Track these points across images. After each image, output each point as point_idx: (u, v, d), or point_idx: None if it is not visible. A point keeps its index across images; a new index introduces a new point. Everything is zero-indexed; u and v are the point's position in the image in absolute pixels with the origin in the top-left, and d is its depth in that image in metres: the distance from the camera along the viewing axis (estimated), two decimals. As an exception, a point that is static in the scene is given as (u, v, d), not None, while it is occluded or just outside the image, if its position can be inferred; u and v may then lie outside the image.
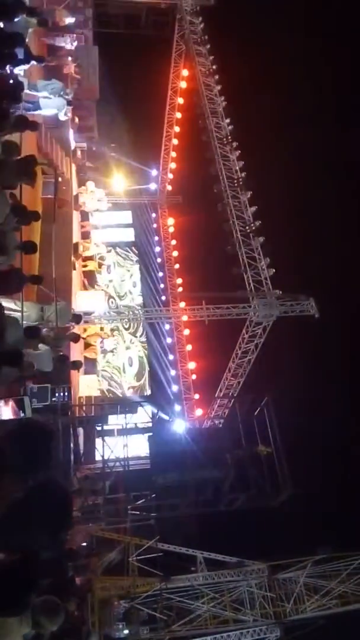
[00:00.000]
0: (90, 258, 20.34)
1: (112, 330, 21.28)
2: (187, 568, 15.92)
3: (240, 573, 15.76)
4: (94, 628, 12.75)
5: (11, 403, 4.62)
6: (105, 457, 14.18)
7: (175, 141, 25.88)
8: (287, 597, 15.40)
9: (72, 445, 13.09)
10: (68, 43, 16.35)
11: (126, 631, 14.55)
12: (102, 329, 19.57)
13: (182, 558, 15.96)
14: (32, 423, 3.46)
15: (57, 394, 11.12)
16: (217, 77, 20.42)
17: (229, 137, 19.08)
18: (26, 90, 8.14)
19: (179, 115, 24.85)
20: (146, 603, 14.51)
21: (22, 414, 4.40)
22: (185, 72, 23.27)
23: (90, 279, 21.02)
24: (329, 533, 17.37)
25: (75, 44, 16.81)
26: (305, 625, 15.24)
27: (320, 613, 15.18)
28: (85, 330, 18.27)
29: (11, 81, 7.21)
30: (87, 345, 19.11)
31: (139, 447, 16.11)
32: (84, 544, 14.37)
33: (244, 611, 15.22)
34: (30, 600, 3.02)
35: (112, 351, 22.88)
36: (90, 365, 19.73)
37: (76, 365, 14.09)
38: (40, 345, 6.86)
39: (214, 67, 20.60)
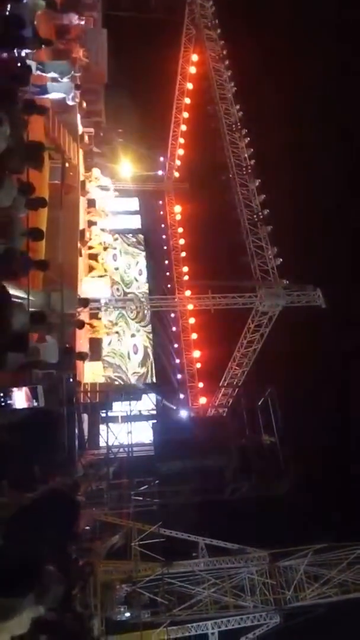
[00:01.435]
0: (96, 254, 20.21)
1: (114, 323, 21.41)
2: (189, 554, 16.09)
3: (241, 560, 15.92)
4: (95, 611, 12.93)
5: (25, 389, 4.65)
6: (110, 444, 14.29)
7: (183, 127, 25.60)
8: (288, 584, 15.55)
9: (76, 431, 13.16)
10: (76, 20, 16.08)
11: (128, 614, 14.77)
12: (107, 326, 19.76)
13: (184, 544, 16.12)
14: (40, 412, 3.47)
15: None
16: (227, 62, 20.14)
17: (239, 124, 18.89)
18: (34, 72, 8.03)
19: (187, 100, 24.55)
20: (148, 587, 14.70)
21: (34, 403, 4.43)
22: (195, 57, 22.94)
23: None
24: (330, 522, 17.48)
25: (83, 21, 16.55)
26: (305, 613, 15.41)
27: (320, 601, 15.33)
28: (92, 327, 18.28)
29: (19, 64, 7.12)
30: (92, 327, 19.11)
31: (142, 434, 16.24)
32: (88, 527, 14.53)
33: (244, 597, 15.38)
34: (34, 583, 3.05)
35: (117, 333, 22.93)
36: (95, 346, 19.69)
37: (82, 356, 14.17)
38: (47, 337, 6.85)
39: (225, 52, 20.29)
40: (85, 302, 14.04)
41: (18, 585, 2.93)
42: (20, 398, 4.46)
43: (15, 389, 4.52)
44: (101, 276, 19.03)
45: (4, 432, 2.76)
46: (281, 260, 17.10)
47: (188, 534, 16.09)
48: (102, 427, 15.20)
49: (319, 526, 17.02)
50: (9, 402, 4.33)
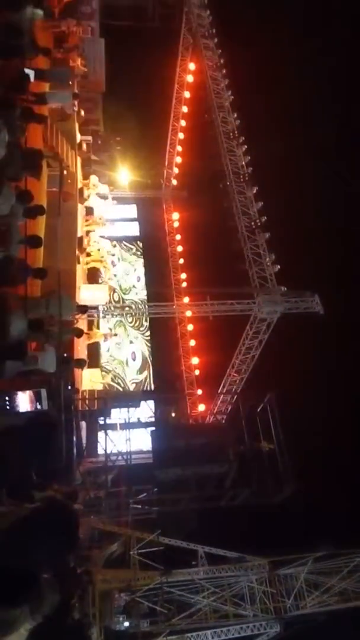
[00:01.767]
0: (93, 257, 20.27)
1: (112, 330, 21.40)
2: (188, 562, 15.97)
3: (240, 568, 15.80)
4: (94, 620, 12.81)
5: (29, 393, 4.66)
6: (108, 451, 14.23)
7: (181, 135, 25.76)
8: (288, 593, 15.42)
9: (74, 438, 13.11)
10: (74, 26, 16.20)
11: (126, 624, 14.63)
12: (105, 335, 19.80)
13: (183, 552, 16.01)
14: (40, 416, 3.47)
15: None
16: (224, 71, 20.29)
17: (236, 132, 19.01)
18: (32, 80, 8.08)
19: (185, 109, 24.72)
20: (147, 596, 14.56)
21: (38, 406, 4.45)
22: (192, 66, 23.13)
23: (93, 273, 21.00)
24: (330, 530, 17.38)
25: (81, 28, 16.68)
26: (305, 622, 15.28)
27: (320, 609, 15.20)
28: (89, 336, 18.27)
29: (17, 73, 7.17)
30: (90, 335, 19.11)
31: (141, 442, 16.17)
32: (86, 536, 14.44)
33: (244, 606, 15.25)
34: (32, 593, 3.02)
35: (116, 342, 22.90)
36: (94, 352, 19.69)
37: (80, 364, 14.15)
38: (46, 346, 6.84)
39: (222, 61, 20.46)
40: (83, 309, 14.05)
41: (15, 597, 2.90)
42: (24, 401, 4.47)
43: (19, 392, 4.53)
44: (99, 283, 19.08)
45: (2, 438, 2.76)
46: (279, 267, 17.15)
47: (187, 542, 15.98)
48: (101, 435, 15.14)
49: (319, 534, 16.92)
50: (13, 405, 4.34)
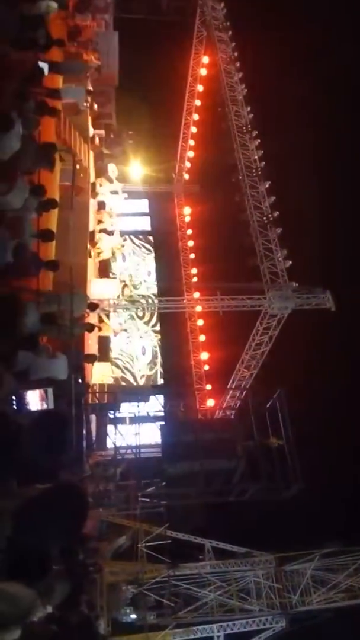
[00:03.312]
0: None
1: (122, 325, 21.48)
2: (195, 556, 16.05)
3: (247, 563, 15.85)
4: (102, 611, 12.94)
5: (39, 391, 4.73)
6: (117, 444, 14.30)
7: (193, 129, 25.63)
8: (294, 588, 15.46)
9: (84, 431, 13.20)
10: (89, 20, 16.18)
11: (133, 616, 14.77)
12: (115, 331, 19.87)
13: (190, 546, 16.09)
14: (50, 413, 3.50)
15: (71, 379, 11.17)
16: (238, 64, 20.12)
17: (249, 126, 18.86)
18: (46, 73, 8.08)
19: (198, 102, 24.58)
20: (154, 589, 14.68)
21: (44, 405, 4.52)
22: (205, 59, 22.96)
23: (105, 267, 21.06)
24: (338, 526, 17.37)
25: (95, 23, 16.66)
26: (311, 618, 15.31)
27: (326, 606, 15.22)
28: (100, 329, 18.30)
29: (32, 65, 7.17)
30: (100, 329, 19.17)
31: (150, 436, 16.23)
32: (94, 528, 14.56)
33: (250, 601, 15.32)
34: (45, 572, 3.06)
35: (126, 336, 22.98)
36: (104, 346, 19.76)
37: (90, 359, 14.22)
38: (57, 353, 6.81)
39: (236, 54, 20.29)
40: (93, 307, 14.09)
41: (29, 575, 2.93)
42: (34, 399, 4.52)
43: (29, 391, 4.58)
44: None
45: (14, 434, 2.79)
46: (290, 262, 17.05)
47: (194, 537, 16.05)
48: (110, 428, 15.22)
49: (327, 531, 16.91)
50: (22, 404, 4.39)
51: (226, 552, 16.12)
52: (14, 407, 4.43)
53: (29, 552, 2.62)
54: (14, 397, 4.47)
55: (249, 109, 19.26)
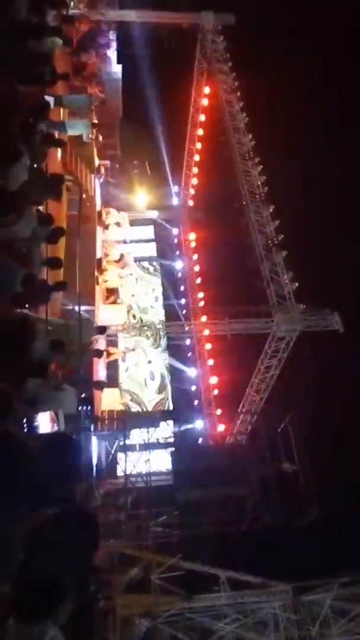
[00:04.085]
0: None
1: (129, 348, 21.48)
2: (210, 587, 15.60)
3: (263, 594, 15.36)
4: (115, 647, 12.55)
5: (49, 413, 4.72)
6: (127, 472, 14.12)
7: (197, 157, 26.13)
8: (313, 620, 14.91)
9: (94, 460, 13.08)
10: (93, 58, 16.72)
11: (148, 651, 14.30)
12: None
13: (204, 577, 15.66)
14: (60, 436, 3.47)
15: (80, 408, 11.14)
16: (239, 93, 20.62)
17: (251, 153, 19.19)
18: (52, 107, 8.32)
19: (200, 131, 25.12)
20: (168, 622, 14.22)
21: (55, 427, 4.51)
22: (207, 90, 23.57)
23: (111, 293, 21.19)
24: (356, 554, 16.84)
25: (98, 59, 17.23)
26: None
27: (347, 638, 14.65)
28: (108, 355, 18.32)
29: (39, 99, 7.38)
30: (109, 354, 19.18)
31: (161, 462, 16.03)
32: (106, 560, 14.25)
33: (268, 633, 14.78)
34: (56, 611, 2.98)
35: (134, 362, 22.92)
36: (112, 372, 19.73)
37: (100, 385, 14.20)
38: (65, 386, 6.78)
39: (236, 84, 20.81)
40: (102, 330, 14.16)
41: (40, 610, 2.86)
42: (44, 421, 4.51)
43: (40, 413, 4.57)
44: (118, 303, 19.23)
45: (24, 458, 2.76)
46: (297, 284, 17.08)
47: (209, 567, 15.63)
48: (120, 456, 15.06)
49: (345, 559, 16.41)
50: (32, 426, 4.38)
51: (241, 582, 15.66)
52: (25, 429, 4.41)
53: (41, 579, 2.56)
54: (24, 420, 4.45)
55: (250, 136, 19.63)
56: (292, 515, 13.53)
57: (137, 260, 25.77)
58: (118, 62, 21.51)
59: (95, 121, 17.06)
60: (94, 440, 13.90)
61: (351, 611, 14.75)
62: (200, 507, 13.22)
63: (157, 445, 16.08)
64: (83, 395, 8.36)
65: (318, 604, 14.97)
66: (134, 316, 23.66)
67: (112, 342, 19.33)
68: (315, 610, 14.98)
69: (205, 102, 23.93)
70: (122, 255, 19.05)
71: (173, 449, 15.50)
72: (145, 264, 26.39)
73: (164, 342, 24.02)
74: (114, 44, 21.42)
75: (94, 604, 7.93)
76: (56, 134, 10.26)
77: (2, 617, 2.60)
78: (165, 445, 16.47)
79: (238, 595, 15.16)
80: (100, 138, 19.58)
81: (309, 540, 16.34)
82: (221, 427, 22.11)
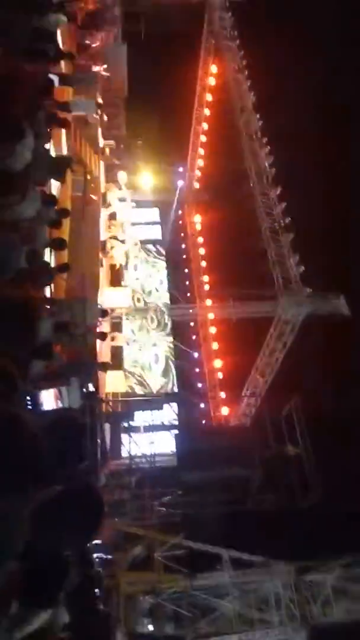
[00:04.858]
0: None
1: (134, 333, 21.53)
2: (213, 566, 15.84)
3: (266, 573, 15.59)
4: (119, 623, 12.82)
5: (53, 390, 4.76)
6: (132, 453, 14.25)
7: (203, 138, 25.77)
8: (314, 599, 15.15)
9: (99, 440, 13.20)
10: (98, 41, 16.45)
11: (151, 627, 14.59)
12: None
13: (207, 556, 15.90)
14: (66, 417, 3.48)
15: (84, 390, 11.20)
16: (246, 72, 20.24)
17: (258, 133, 18.92)
18: (56, 85, 8.18)
19: (207, 112, 24.73)
20: (171, 599, 14.49)
21: (59, 403, 4.56)
22: (214, 68, 23.13)
23: (116, 276, 21.16)
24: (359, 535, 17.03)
25: (103, 37, 16.92)
26: (333, 629, 14.98)
27: (348, 618, 14.89)
28: (113, 339, 18.36)
29: (42, 77, 7.25)
30: (113, 338, 19.25)
31: (165, 444, 16.16)
32: (110, 539, 14.48)
33: (270, 612, 15.03)
34: (60, 595, 3.03)
35: (138, 345, 22.98)
36: (117, 355, 19.82)
37: (104, 367, 14.25)
38: (71, 380, 6.80)
39: (244, 62, 20.41)
40: (105, 313, 14.15)
41: (44, 598, 2.91)
42: (48, 398, 4.55)
43: (43, 391, 4.61)
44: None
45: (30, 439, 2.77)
46: (303, 268, 16.97)
47: (212, 546, 15.86)
48: (125, 437, 15.20)
49: (347, 540, 16.59)
50: (36, 403, 4.41)
51: (244, 561, 15.88)
52: (29, 406, 4.44)
53: (46, 557, 2.60)
54: (28, 397, 4.48)
55: (258, 116, 19.33)
56: (295, 497, 13.64)
57: (142, 243, 25.67)
58: (123, 40, 21.08)
59: (100, 101, 16.81)
60: (99, 421, 14.01)
61: (353, 591, 14.97)
62: (204, 488, 13.36)
63: (162, 427, 16.20)
64: (89, 389, 8.40)
65: (320, 583, 15.19)
66: (138, 299, 23.66)
67: (117, 326, 19.37)
68: (316, 590, 15.20)
69: (212, 81, 23.52)
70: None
71: (177, 431, 15.59)
72: (150, 246, 26.28)
73: (168, 325, 24.04)
74: (118, 21, 20.99)
75: (98, 581, 8.07)
76: (60, 114, 10.12)
77: (8, 594, 2.65)
78: (170, 428, 16.59)
79: (240, 574, 15.40)
80: (105, 118, 19.33)
81: (312, 521, 16.51)
82: (225, 410, 22.23)
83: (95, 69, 17.02)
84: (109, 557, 13.21)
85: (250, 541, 16.36)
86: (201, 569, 15.09)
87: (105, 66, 17.92)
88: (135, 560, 14.91)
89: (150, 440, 14.87)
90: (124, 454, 14.97)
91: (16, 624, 2.70)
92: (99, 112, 16.44)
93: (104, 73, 17.89)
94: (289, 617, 15.02)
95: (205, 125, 25.31)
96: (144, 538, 14.72)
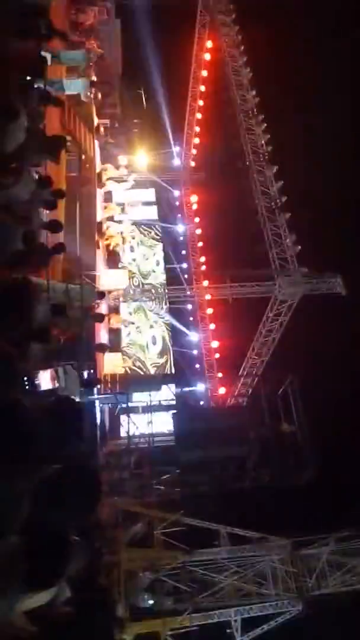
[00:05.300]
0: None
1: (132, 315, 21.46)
2: (211, 542, 16.18)
3: (262, 548, 15.94)
4: (120, 597, 13.13)
5: (50, 371, 4.81)
6: (130, 434, 14.41)
7: (199, 115, 25.36)
8: (310, 572, 15.53)
9: (98, 421, 13.33)
10: (91, 18, 16.08)
11: (151, 601, 14.95)
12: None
13: (205, 532, 16.21)
14: (64, 400, 3.53)
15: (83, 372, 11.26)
16: (242, 48, 19.84)
17: (255, 110, 18.66)
18: (50, 63, 8.04)
19: (202, 88, 24.29)
20: (171, 575, 14.83)
21: (56, 384, 4.62)
22: (209, 44, 22.65)
23: (113, 257, 21.04)
24: (352, 511, 17.38)
25: (96, 13, 16.53)
26: (328, 601, 15.39)
27: (342, 589, 15.29)
28: (110, 321, 18.34)
29: (35, 55, 7.12)
30: (110, 319, 19.25)
31: (163, 424, 16.32)
32: (110, 517, 14.73)
33: (267, 585, 15.42)
34: (64, 572, 3.11)
35: (136, 326, 22.98)
36: (114, 337, 19.86)
37: (102, 348, 14.29)
38: (68, 368, 6.83)
39: (240, 37, 19.99)
40: (101, 295, 14.12)
41: (48, 578, 2.98)
42: (45, 379, 4.60)
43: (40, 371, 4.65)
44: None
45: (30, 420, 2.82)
46: (300, 247, 16.92)
47: (209, 523, 16.16)
48: (123, 418, 15.33)
49: (341, 515, 16.94)
50: (33, 383, 4.46)
51: (241, 537, 16.22)
52: (26, 387, 4.49)
53: (47, 532, 2.66)
54: (25, 378, 4.52)
55: (254, 92, 19.02)
56: (291, 474, 13.87)
57: (138, 223, 25.46)
58: (117, 16, 20.58)
59: (94, 78, 16.50)
60: (97, 402, 14.12)
61: (346, 564, 15.33)
62: (201, 467, 13.56)
63: (159, 408, 16.33)
64: (86, 375, 8.45)
65: (315, 557, 15.55)
66: (135, 281, 23.58)
67: (114, 308, 19.35)
68: (312, 564, 15.57)
69: (207, 56, 23.04)
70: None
71: (175, 411, 15.73)
72: (147, 227, 26.07)
73: (165, 306, 24.02)
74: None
75: (99, 557, 8.25)
76: (54, 93, 9.95)
77: (12, 567, 2.72)
78: (167, 408, 16.71)
79: (238, 550, 15.74)
80: (100, 96, 18.98)
81: (308, 497, 16.82)
82: (222, 390, 22.40)
83: (89, 46, 16.65)
84: (110, 534, 13.45)
85: (247, 518, 16.69)
86: (199, 545, 15.41)
87: (98, 43, 17.54)
88: (136, 537, 15.19)
89: (149, 420, 15.00)
90: (123, 434, 15.12)
91: (18, 597, 2.78)
92: (93, 90, 16.14)
93: (97, 50, 17.51)
94: (286, 590, 15.41)
95: (201, 102, 24.88)
96: (144, 516, 14.99)
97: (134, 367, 22.66)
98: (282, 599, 15.38)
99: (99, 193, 18.82)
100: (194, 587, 15.06)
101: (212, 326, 24.26)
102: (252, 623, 15.50)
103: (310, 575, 15.44)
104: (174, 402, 16.64)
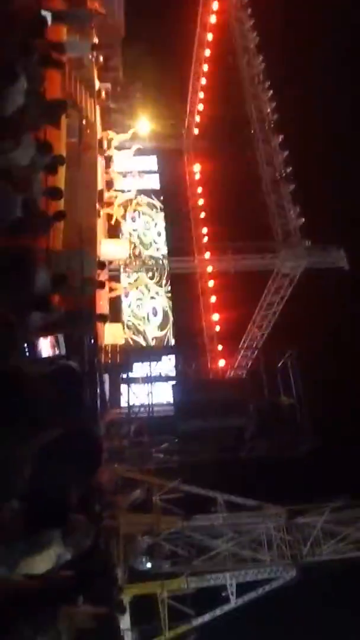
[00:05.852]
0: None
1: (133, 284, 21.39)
2: (208, 509, 16.54)
3: (259, 515, 16.30)
4: (119, 560, 13.52)
5: (50, 338, 4.83)
6: (130, 403, 14.57)
7: (203, 81, 24.62)
8: (304, 540, 15.91)
9: (98, 390, 13.44)
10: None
11: (149, 564, 15.40)
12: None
13: (203, 499, 16.56)
14: (65, 368, 3.54)
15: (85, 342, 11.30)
16: (249, 10, 19.12)
17: (261, 76, 18.13)
18: (50, 23, 7.77)
19: (208, 52, 23.52)
20: (169, 539, 15.22)
21: (56, 351, 4.64)
22: (215, 5, 21.82)
23: (113, 227, 20.83)
24: (348, 481, 17.71)
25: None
26: (321, 568, 15.82)
27: (336, 557, 15.70)
28: (111, 290, 18.25)
29: (34, 14, 6.87)
30: (111, 289, 19.20)
31: (163, 395, 16.49)
32: (110, 483, 15.01)
33: (262, 551, 15.83)
34: (63, 520, 3.19)
35: (136, 297, 22.99)
36: (116, 307, 19.86)
37: (102, 318, 14.28)
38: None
39: (247, -1, 19.29)
40: (102, 265, 14.05)
41: (48, 522, 3.06)
42: (45, 346, 4.63)
43: (40, 338, 4.67)
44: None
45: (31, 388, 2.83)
46: (303, 220, 16.72)
47: (207, 490, 16.49)
48: (124, 388, 15.48)
49: (337, 485, 17.26)
50: (34, 351, 4.48)
51: (238, 505, 16.57)
52: (27, 354, 4.51)
53: (48, 497, 2.71)
54: (26, 345, 4.54)
55: (261, 58, 18.44)
56: (289, 445, 14.07)
57: (140, 192, 25.08)
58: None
59: (96, 40, 15.97)
60: (98, 372, 14.22)
61: (341, 533, 15.71)
62: (200, 436, 13.75)
63: (159, 379, 16.47)
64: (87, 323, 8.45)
65: (310, 525, 15.92)
66: (136, 251, 23.41)
67: (115, 279, 19.26)
68: (307, 532, 15.94)
69: (213, 19, 22.22)
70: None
71: (175, 382, 15.86)
72: (148, 197, 25.71)
73: (166, 278, 23.93)
74: None
75: (99, 522, 8.44)
76: (54, 55, 9.64)
77: (13, 529, 2.78)
78: (167, 379, 16.86)
79: (234, 516, 16.11)
80: (101, 59, 18.40)
81: (304, 468, 17.11)
82: (222, 363, 22.51)
83: (90, 6, 16.02)
84: (110, 499, 13.73)
85: (244, 486, 17.02)
86: (197, 511, 15.76)
87: (100, 2, 16.88)
88: (135, 502, 15.54)
89: (149, 390, 15.15)
90: (123, 404, 15.29)
91: (21, 556, 2.85)
92: (95, 53, 15.66)
93: (99, 10, 16.87)
94: (280, 556, 15.83)
95: (205, 67, 24.12)
96: (143, 482, 15.30)
97: (134, 338, 22.79)
98: (277, 565, 15.81)
99: (100, 160, 18.45)
100: (191, 551, 15.47)
101: (213, 298, 24.18)
102: (247, 587, 15.97)
103: (304, 543, 15.84)
104: (174, 373, 16.77)
